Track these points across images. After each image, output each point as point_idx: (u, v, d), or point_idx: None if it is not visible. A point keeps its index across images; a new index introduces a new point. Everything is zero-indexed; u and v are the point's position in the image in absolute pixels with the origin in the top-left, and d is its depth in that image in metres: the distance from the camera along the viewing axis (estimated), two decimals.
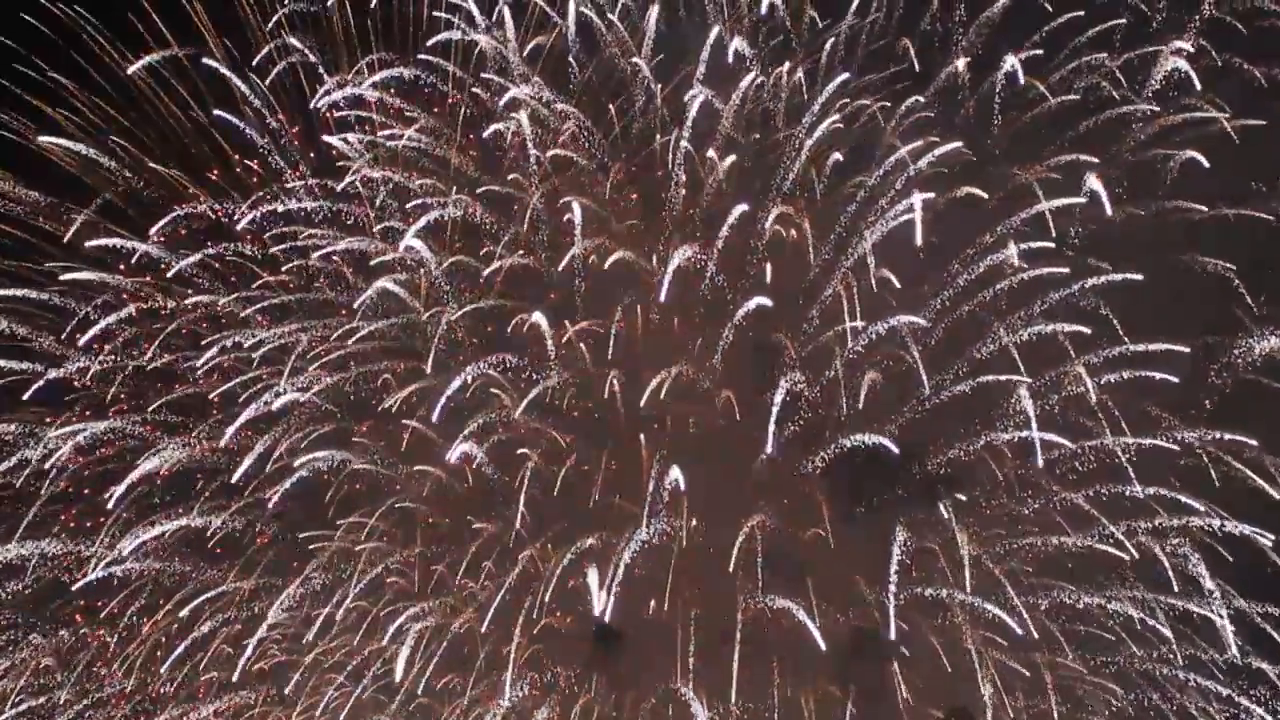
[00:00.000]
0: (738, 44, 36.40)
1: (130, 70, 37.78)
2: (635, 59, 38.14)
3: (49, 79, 39.35)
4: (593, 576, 33.74)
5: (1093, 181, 33.95)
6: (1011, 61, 35.62)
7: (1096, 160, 35.62)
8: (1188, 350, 33.75)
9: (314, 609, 38.39)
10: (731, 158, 37.17)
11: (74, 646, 39.14)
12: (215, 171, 40.25)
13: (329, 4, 38.15)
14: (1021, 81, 35.58)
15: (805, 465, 34.87)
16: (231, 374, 38.17)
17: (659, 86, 38.34)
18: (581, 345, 37.77)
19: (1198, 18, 35.98)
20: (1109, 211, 33.75)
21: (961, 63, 37.55)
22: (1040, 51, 36.68)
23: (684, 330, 37.20)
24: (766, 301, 34.40)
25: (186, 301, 38.64)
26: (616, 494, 37.28)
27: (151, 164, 39.75)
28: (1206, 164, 34.68)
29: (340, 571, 38.43)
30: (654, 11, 37.46)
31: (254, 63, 38.16)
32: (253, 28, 38.71)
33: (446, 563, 38.74)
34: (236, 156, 40.10)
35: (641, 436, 36.56)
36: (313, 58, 37.96)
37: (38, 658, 38.69)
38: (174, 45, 38.61)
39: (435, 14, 37.48)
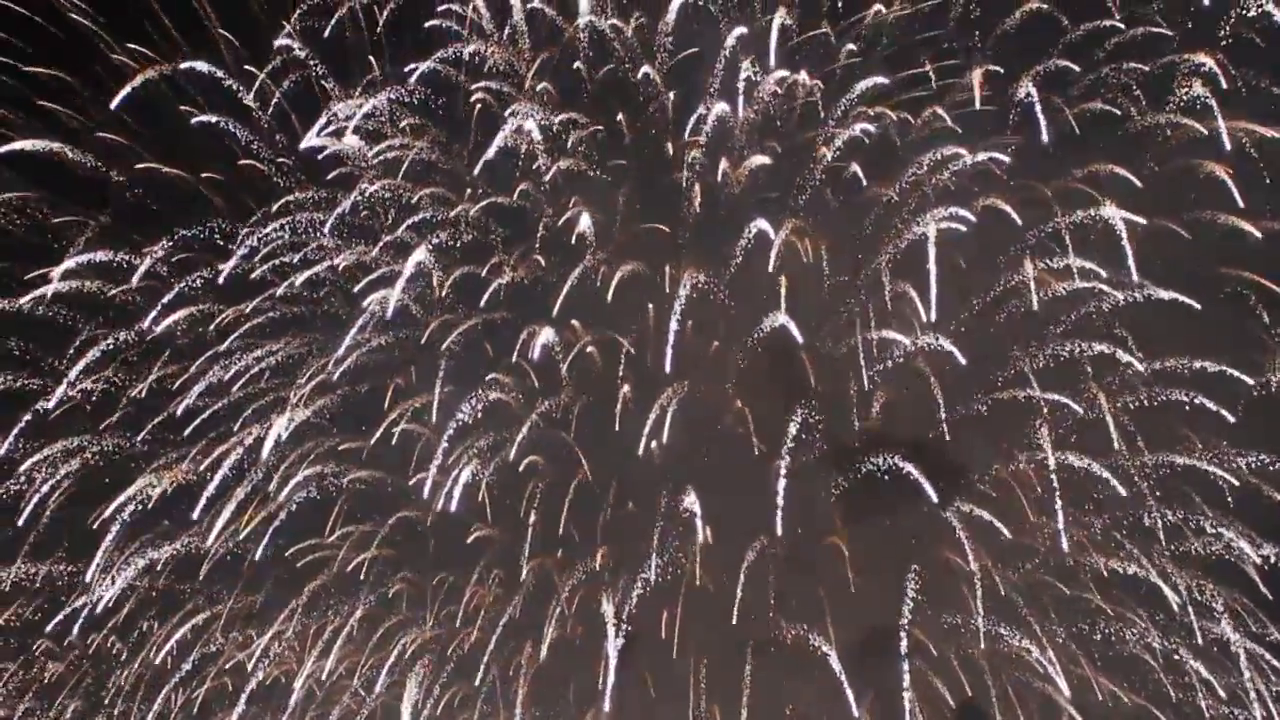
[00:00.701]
0: (748, 71, 34.41)
1: (113, 104, 35.55)
2: (646, 69, 36.14)
3: (53, 77, 37.44)
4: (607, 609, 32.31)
5: (1110, 210, 32.22)
6: (1028, 89, 33.64)
7: (1122, 172, 33.97)
8: (1251, 382, 32.36)
9: (320, 621, 37.31)
10: (749, 164, 35.36)
11: (79, 658, 37.76)
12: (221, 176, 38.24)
13: (339, 14, 36.06)
14: (1038, 108, 33.44)
15: (824, 490, 33.37)
16: (228, 390, 36.49)
17: (670, 95, 36.47)
18: (592, 350, 36.29)
19: (1219, 34, 34.03)
20: (1127, 251, 31.92)
21: (978, 74, 35.59)
22: (1074, 66, 34.71)
23: (698, 345, 35.50)
24: (792, 328, 32.55)
25: (181, 313, 36.63)
26: (629, 501, 35.99)
27: (150, 164, 37.69)
28: (1231, 184, 32.84)
29: (346, 586, 37.34)
30: (668, 19, 35.45)
31: (264, 71, 36.27)
32: (263, 33, 36.82)
33: (455, 574, 37.46)
34: (246, 161, 38.04)
35: (654, 444, 34.97)
36: (320, 70, 35.97)
37: (43, 671, 37.31)
38: (181, 42, 36.66)
39: (446, 24, 35.41)
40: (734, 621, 32.42)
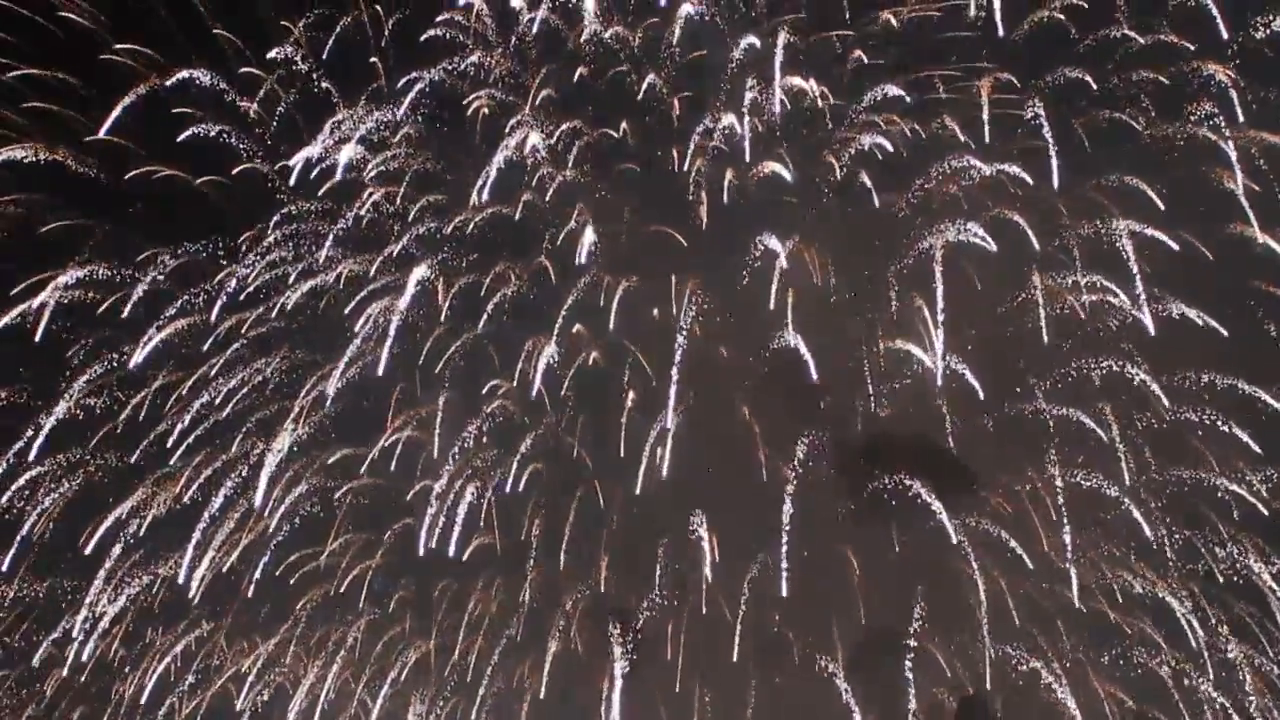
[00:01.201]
0: (753, 90, 33.45)
1: (104, 129, 34.69)
2: (652, 77, 35.17)
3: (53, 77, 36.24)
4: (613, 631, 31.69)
5: (1121, 223, 31.44)
6: (1035, 110, 32.72)
7: (1134, 182, 33.17)
8: (1267, 397, 31.64)
9: (323, 632, 36.86)
10: (758, 171, 34.42)
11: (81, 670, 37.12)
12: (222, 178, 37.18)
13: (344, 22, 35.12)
14: (1046, 129, 32.54)
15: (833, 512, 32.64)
16: (224, 406, 35.69)
17: (676, 103, 35.50)
18: (597, 357, 35.47)
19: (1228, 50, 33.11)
20: (1134, 269, 31.11)
21: (985, 83, 34.60)
22: (1086, 77, 33.71)
23: (704, 364, 34.57)
24: (801, 347, 31.64)
25: (182, 322, 35.72)
26: (634, 510, 35.12)
27: (150, 168, 36.62)
28: (1243, 197, 32.01)
29: (347, 596, 36.81)
30: (674, 28, 34.48)
31: (263, 86, 35.26)
32: (266, 32, 35.75)
33: (459, 582, 36.87)
34: (246, 166, 37.00)
35: (658, 452, 34.07)
36: (322, 82, 35.06)
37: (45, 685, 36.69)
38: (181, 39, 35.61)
39: (449, 33, 34.44)
40: (735, 658, 31.90)
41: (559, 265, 35.62)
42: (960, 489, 31.93)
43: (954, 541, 30.79)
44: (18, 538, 34.95)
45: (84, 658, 35.08)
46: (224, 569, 35.48)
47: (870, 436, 32.57)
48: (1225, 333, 31.27)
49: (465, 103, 35.09)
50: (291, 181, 35.12)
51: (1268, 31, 31.99)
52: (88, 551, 34.71)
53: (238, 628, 37.17)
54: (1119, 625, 33.86)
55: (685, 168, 34.71)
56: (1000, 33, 32.51)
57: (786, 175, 33.71)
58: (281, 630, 36.83)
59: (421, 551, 34.33)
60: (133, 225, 36.78)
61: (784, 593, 30.70)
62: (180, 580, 34.22)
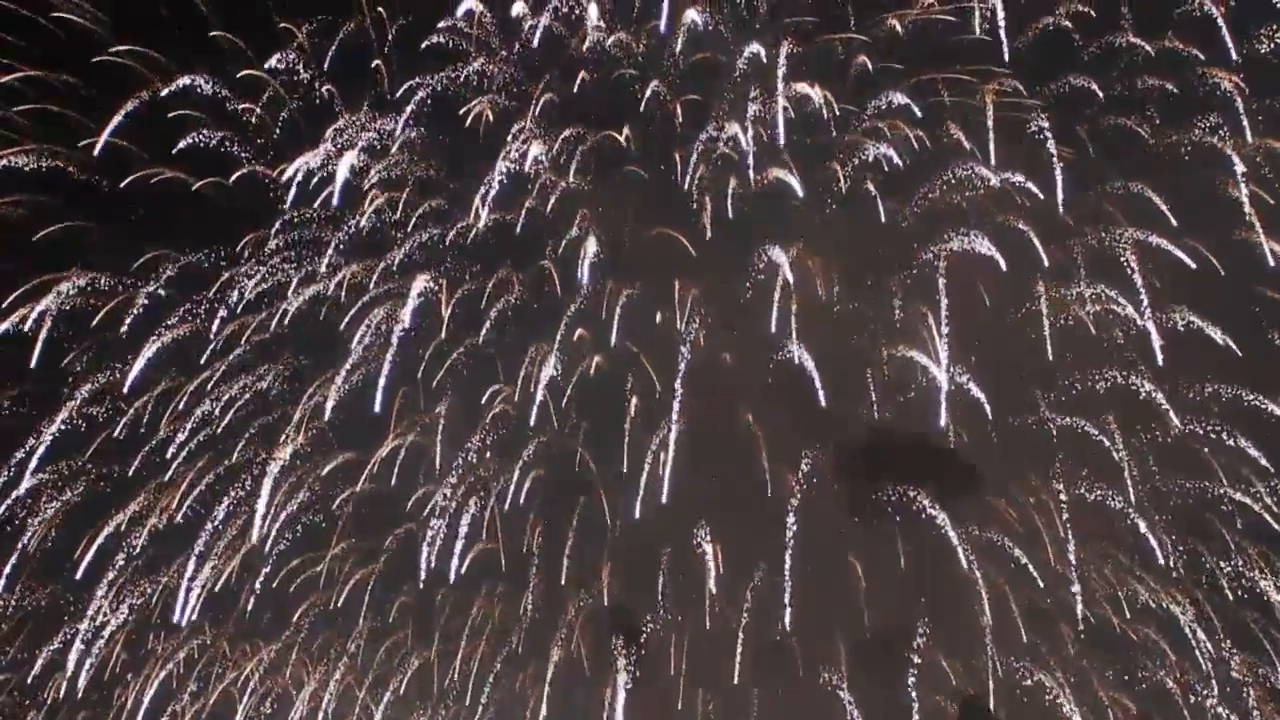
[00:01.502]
0: (756, 105, 33.21)
1: (98, 147, 34.36)
2: (655, 83, 34.90)
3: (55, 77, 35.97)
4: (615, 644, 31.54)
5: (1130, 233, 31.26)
6: (1040, 124, 32.50)
7: (1138, 191, 32.95)
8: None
9: (324, 639, 36.68)
10: (764, 176, 34.13)
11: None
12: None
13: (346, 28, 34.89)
14: (1051, 141, 32.31)
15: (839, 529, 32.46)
16: (224, 415, 35.42)
17: (679, 109, 35.23)
18: (600, 360, 35.19)
19: (1238, 59, 32.80)
20: (1137, 280, 30.91)
21: (990, 90, 34.31)
22: (1093, 85, 33.44)
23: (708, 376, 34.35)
24: (806, 361, 31.33)
25: (179, 330, 35.45)
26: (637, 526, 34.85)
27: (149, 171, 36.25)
28: (1248, 205, 31.79)
29: (347, 603, 36.57)
30: (680, 37, 34.20)
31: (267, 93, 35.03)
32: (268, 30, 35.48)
33: (459, 591, 36.64)
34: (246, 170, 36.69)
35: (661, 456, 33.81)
36: (324, 89, 34.81)
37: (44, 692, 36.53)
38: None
39: (451, 40, 34.21)
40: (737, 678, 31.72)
41: (561, 272, 35.46)
42: (964, 498, 31.77)
43: (959, 552, 30.64)
44: (19, 546, 34.73)
45: (80, 680, 34.99)
46: (224, 579, 35.35)
47: (874, 447, 32.32)
48: (1239, 352, 30.99)
49: (464, 111, 34.83)
50: (290, 196, 34.86)
51: (1272, 44, 31.77)
52: (81, 570, 34.66)
53: (239, 635, 37.02)
54: (1124, 635, 33.73)
55: (688, 177, 34.40)
56: (1006, 56, 32.20)
57: (792, 182, 33.33)
58: (283, 637, 36.63)
59: (423, 578, 34.04)
60: (132, 229, 36.57)
61: (788, 624, 30.42)
62: (175, 616, 34.23)
